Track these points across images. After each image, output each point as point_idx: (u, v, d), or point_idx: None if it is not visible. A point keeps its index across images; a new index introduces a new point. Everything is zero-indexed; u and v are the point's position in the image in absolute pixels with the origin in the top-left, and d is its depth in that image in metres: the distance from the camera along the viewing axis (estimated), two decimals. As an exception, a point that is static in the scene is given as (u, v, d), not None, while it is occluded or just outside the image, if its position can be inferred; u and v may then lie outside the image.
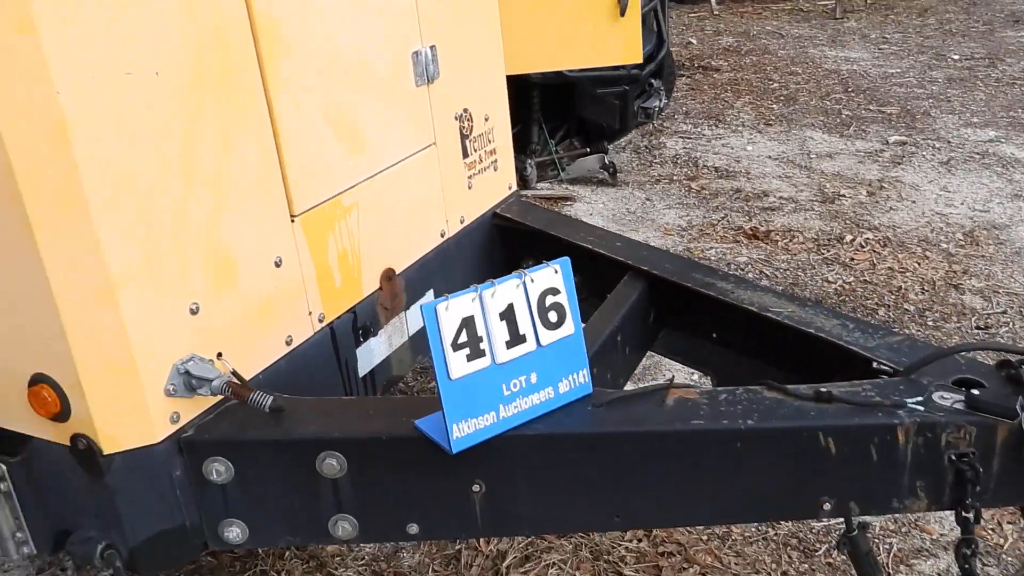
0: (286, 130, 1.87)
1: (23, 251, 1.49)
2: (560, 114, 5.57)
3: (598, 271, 2.40)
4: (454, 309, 1.50)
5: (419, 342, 2.43)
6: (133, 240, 1.56)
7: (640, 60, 3.78)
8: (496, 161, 2.73)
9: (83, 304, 1.53)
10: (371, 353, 2.23)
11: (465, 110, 2.53)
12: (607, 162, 5.53)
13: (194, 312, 1.69)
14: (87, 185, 1.48)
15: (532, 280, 1.59)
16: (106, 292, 1.53)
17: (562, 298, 1.62)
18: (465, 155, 2.56)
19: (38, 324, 1.55)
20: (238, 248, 1.78)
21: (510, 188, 2.83)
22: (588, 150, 5.60)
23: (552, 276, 1.61)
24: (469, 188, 2.59)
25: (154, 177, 1.59)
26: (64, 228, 1.48)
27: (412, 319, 2.38)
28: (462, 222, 2.57)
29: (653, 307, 2.27)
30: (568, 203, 5.29)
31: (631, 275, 2.27)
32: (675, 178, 5.54)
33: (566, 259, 1.64)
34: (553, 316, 1.60)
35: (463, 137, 2.54)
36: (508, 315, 1.56)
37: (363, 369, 2.21)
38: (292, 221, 1.92)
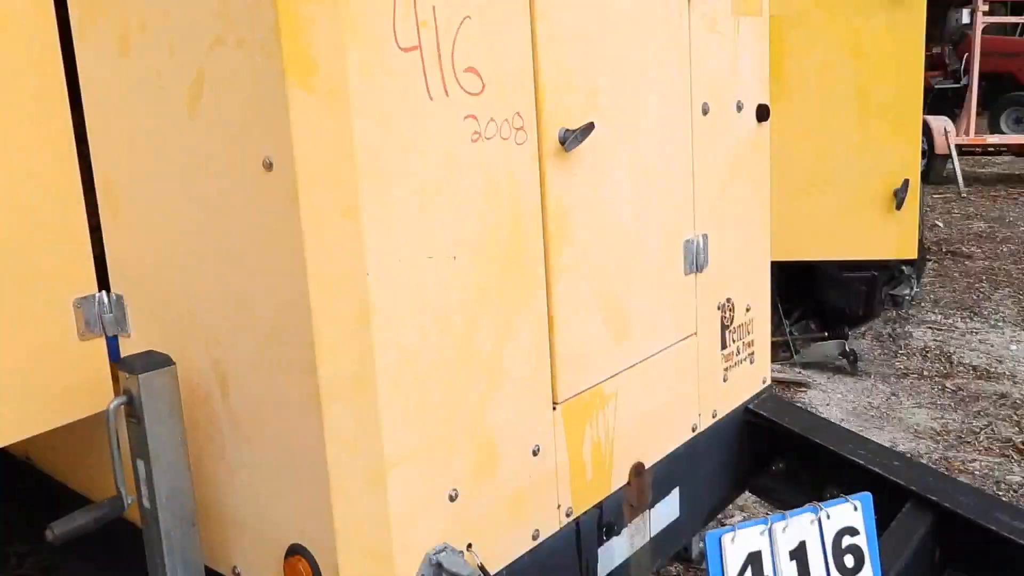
0: (560, 316, 1.83)
1: (306, 423, 1.50)
2: (797, 294, 5.34)
3: (869, 491, 2.15)
4: (741, 542, 1.35)
5: (659, 545, 2.26)
6: (409, 422, 1.54)
7: (915, 256, 3.56)
8: (753, 353, 2.58)
9: (353, 483, 1.50)
10: (612, 553, 2.08)
11: (728, 300, 2.42)
12: (847, 349, 5.20)
13: (452, 499, 1.63)
14: (379, 365, 1.48)
15: (828, 516, 1.41)
16: (377, 473, 1.51)
17: (861, 540, 1.42)
18: (723, 346, 2.43)
19: (307, 496, 1.53)
20: (501, 434, 1.72)
21: (764, 382, 2.66)
22: (826, 334, 5.30)
23: (851, 513, 1.43)
24: (724, 380, 2.45)
25: (436, 360, 1.58)
26: (350, 405, 1.48)
27: (655, 519, 2.23)
28: (714, 416, 2.43)
29: (939, 545, 1.99)
30: (801, 389, 4.98)
31: (915, 504, 2.01)
32: (925, 373, 5.11)
33: (867, 495, 1.45)
34: (849, 560, 1.41)
35: (723, 327, 2.42)
36: (799, 554, 1.38)
37: (603, 570, 2.06)
38: (554, 409, 1.86)
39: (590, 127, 1.75)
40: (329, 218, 1.42)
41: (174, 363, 1.61)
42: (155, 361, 1.60)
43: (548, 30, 1.71)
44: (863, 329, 5.78)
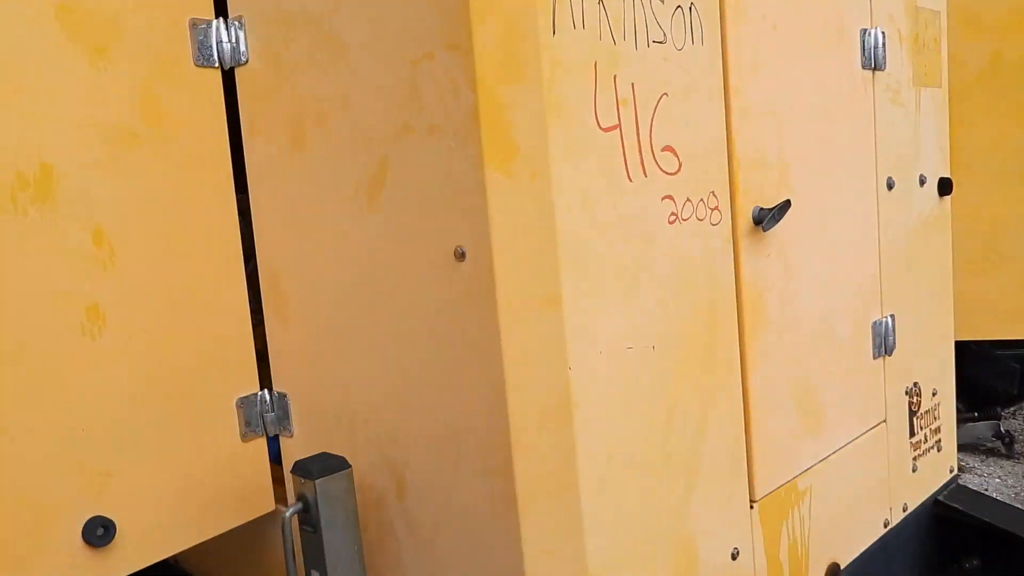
0: (755, 406, 1.69)
1: (501, 528, 1.38)
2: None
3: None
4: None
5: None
6: (611, 526, 1.41)
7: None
8: (940, 440, 2.37)
9: (554, 597, 1.37)
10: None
11: (915, 384, 2.23)
12: (1002, 430, 4.83)
13: (654, 612, 1.48)
14: (581, 466, 1.36)
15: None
16: (579, 584, 1.37)
17: None
18: (911, 434, 2.24)
19: (503, 611, 1.41)
20: (701, 538, 1.58)
21: (951, 471, 2.44)
22: (976, 414, 4.95)
23: None
24: (913, 471, 2.25)
25: (636, 458, 1.45)
26: (550, 509, 1.36)
27: (852, 628, 2.02)
28: (904, 510, 2.22)
29: None
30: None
31: None
32: (1093, 457, 4.70)
33: None
34: None
35: (911, 414, 2.23)
36: None
37: None
38: (751, 508, 1.70)
39: (787, 205, 1.64)
40: (528, 308, 1.33)
41: (350, 466, 1.52)
42: (332, 464, 1.51)
43: (741, 105, 1.61)
44: (1012, 409, 5.38)
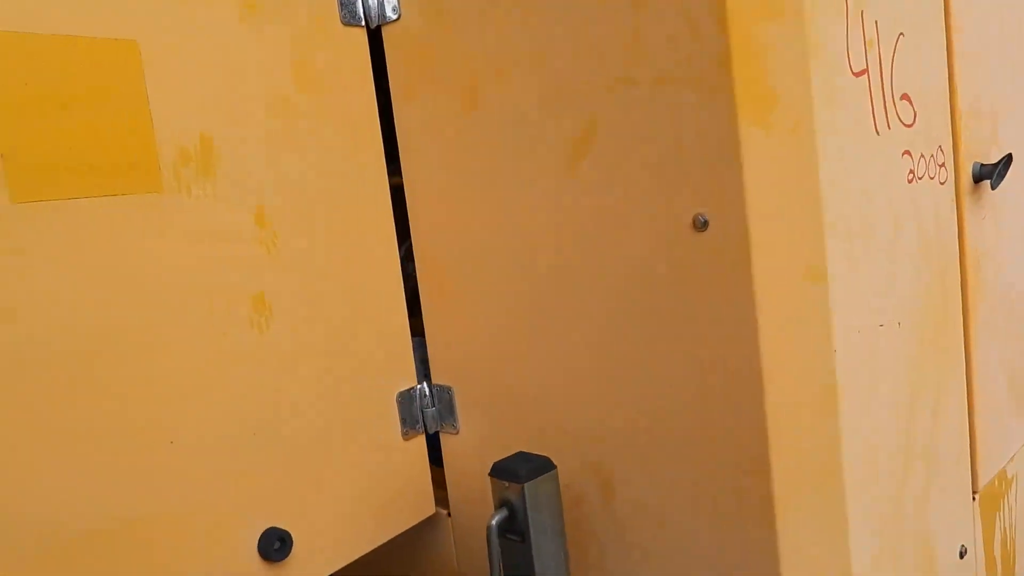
0: (977, 386, 1.53)
1: (752, 535, 1.21)
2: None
3: None
4: None
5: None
6: (870, 527, 1.25)
7: None
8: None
9: (815, 609, 1.21)
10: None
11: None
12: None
13: (903, 620, 1.32)
14: (846, 459, 1.19)
15: None
16: (844, 595, 1.21)
17: None
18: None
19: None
20: (937, 535, 1.42)
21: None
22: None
23: None
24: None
25: (887, 448, 1.29)
26: (811, 511, 1.20)
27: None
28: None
29: None
30: None
31: None
32: None
33: None
34: None
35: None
36: None
37: None
38: (973, 499, 1.54)
39: (1009, 159, 1.47)
40: (788, 283, 1.16)
41: (555, 467, 1.34)
42: (538, 465, 1.33)
43: (961, 45, 1.45)
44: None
